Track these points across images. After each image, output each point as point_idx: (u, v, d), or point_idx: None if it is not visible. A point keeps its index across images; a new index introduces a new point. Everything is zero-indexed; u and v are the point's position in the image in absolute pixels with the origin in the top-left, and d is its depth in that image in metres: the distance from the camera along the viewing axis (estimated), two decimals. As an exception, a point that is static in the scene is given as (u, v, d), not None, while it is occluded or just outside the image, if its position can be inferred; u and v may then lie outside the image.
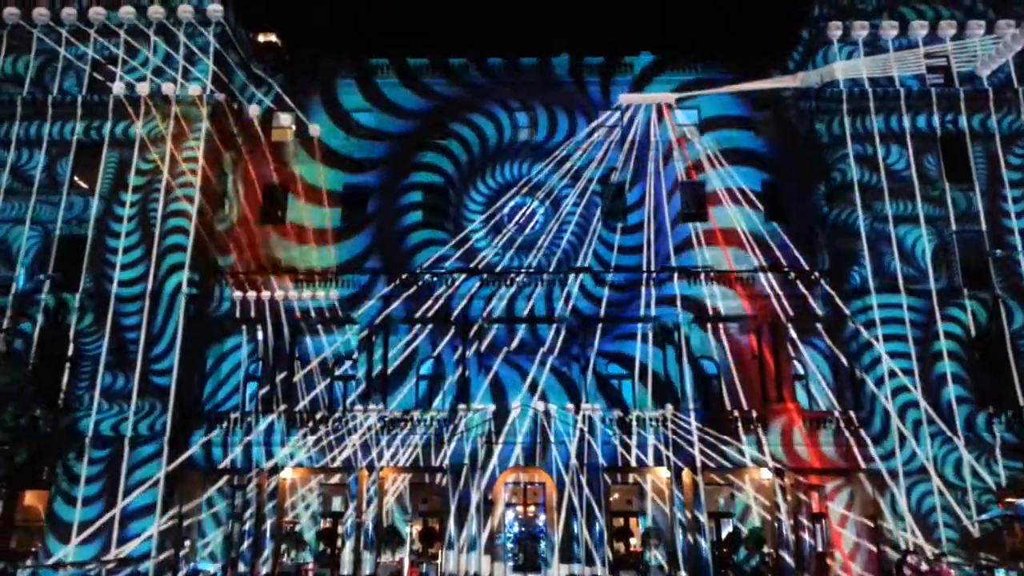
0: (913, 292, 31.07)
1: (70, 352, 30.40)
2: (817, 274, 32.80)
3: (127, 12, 33.65)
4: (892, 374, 29.96)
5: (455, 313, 32.64)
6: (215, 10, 33.95)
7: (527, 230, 35.82)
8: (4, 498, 28.58)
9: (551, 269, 34.39)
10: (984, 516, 26.86)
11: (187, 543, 30.02)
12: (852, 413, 30.51)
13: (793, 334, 32.72)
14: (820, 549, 30.17)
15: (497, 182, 36.95)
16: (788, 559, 28.63)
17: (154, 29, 34.11)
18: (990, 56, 33.31)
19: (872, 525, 29.17)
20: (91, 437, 29.31)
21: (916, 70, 33.93)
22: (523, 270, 34.27)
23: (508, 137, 37.74)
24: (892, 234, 31.81)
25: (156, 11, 33.78)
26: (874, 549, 29.10)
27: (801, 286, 32.45)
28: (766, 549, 29.05)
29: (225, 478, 30.98)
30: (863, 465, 29.63)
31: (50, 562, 27.40)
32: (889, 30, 34.17)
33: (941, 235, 31.96)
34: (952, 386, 29.79)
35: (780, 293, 32.34)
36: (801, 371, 33.00)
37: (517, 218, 36.09)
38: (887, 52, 34.17)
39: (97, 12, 33.66)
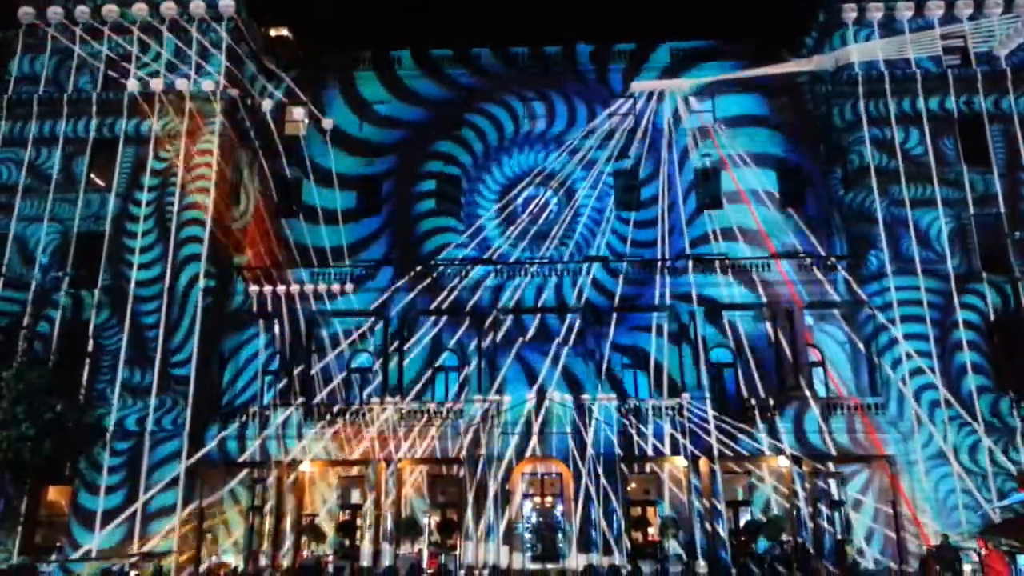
0: (931, 276, 30.77)
1: (90, 348, 30.71)
2: (834, 259, 32.54)
3: (140, 9, 33.81)
4: (910, 359, 29.69)
5: (469, 304, 32.66)
6: (227, 5, 34.04)
7: (540, 220, 35.89)
8: (27, 493, 28.98)
9: (565, 259, 34.45)
10: (1005, 502, 26.61)
11: (208, 536, 30.37)
12: (871, 398, 30.36)
13: (810, 320, 32.58)
14: (839, 536, 30.00)
15: (513, 171, 37.09)
16: (807, 546, 28.49)
17: (167, 26, 34.26)
18: (1008, 36, 32.85)
19: (891, 511, 29.09)
20: (112, 432, 29.63)
21: (932, 51, 33.53)
22: (537, 260, 34.29)
23: (520, 127, 37.84)
24: (909, 218, 31.48)
25: (169, 7, 33.91)
26: (893, 535, 29.02)
27: (818, 272, 32.21)
28: (784, 537, 28.94)
29: (245, 471, 31.31)
30: (881, 451, 29.46)
31: (75, 555, 27.78)
32: (904, 11, 33.75)
33: (959, 218, 31.59)
34: (971, 370, 29.50)
35: (797, 279, 32.11)
36: (818, 358, 32.85)
37: (530, 208, 36.17)
38: (903, 33, 33.74)
39: (110, 10, 33.82)
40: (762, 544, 29.09)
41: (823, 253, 33.41)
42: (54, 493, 30.34)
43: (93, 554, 27.77)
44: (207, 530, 30.45)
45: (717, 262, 32.81)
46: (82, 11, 33.94)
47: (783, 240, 34.47)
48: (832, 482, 30.75)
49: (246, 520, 31.21)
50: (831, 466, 30.39)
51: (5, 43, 35.01)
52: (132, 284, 31.44)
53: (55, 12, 33.95)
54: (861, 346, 31.77)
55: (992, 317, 30.32)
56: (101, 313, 31.22)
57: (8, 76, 34.57)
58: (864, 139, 32.63)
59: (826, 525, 29.09)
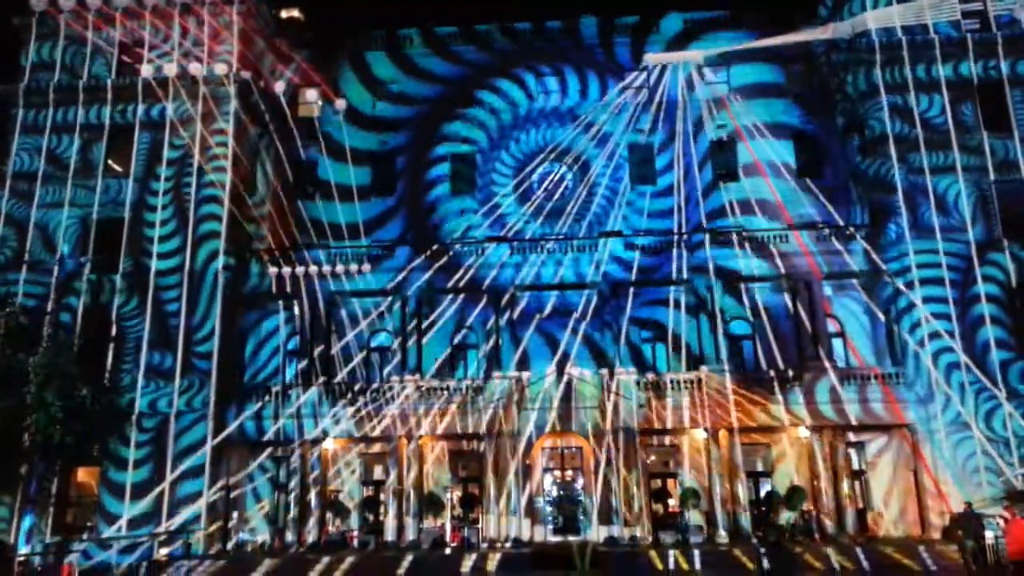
0: (951, 243, 30.49)
1: (113, 332, 31.11)
2: (852, 229, 32.31)
3: (151, -6, 33.81)
4: (928, 323, 29.51)
5: (486, 282, 32.75)
6: (237, -13, 33.98)
7: (556, 196, 35.91)
8: (58, 475, 29.55)
9: (581, 234, 34.44)
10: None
11: (235, 514, 30.88)
12: (891, 367, 30.26)
13: (829, 291, 32.42)
14: (860, 506, 30.06)
15: (530, 147, 37.05)
16: (827, 516, 28.58)
17: (178, 10, 34.26)
18: (1029, -3, 32.25)
19: (913, 479, 29.09)
20: (138, 414, 30.08)
21: (951, 16, 32.96)
22: (554, 236, 34.29)
23: (534, 103, 37.72)
24: (929, 185, 31.16)
25: (179, -9, 33.92)
26: (915, 503, 29.04)
27: (836, 242, 31.99)
28: (805, 507, 29.03)
29: (269, 450, 31.71)
30: (902, 420, 29.39)
31: (105, 535, 28.34)
32: (922, -25, 33.21)
33: (979, 185, 31.21)
34: (993, 338, 29.31)
35: (815, 250, 31.93)
36: (837, 328, 32.73)
37: (546, 184, 36.16)
38: (920, -2, 33.25)
39: (122, -5, 33.82)
40: (784, 517, 29.17)
41: (841, 223, 33.16)
42: (84, 474, 30.92)
43: (123, 531, 28.33)
44: (234, 507, 30.95)
45: (734, 234, 32.66)
46: (94, -3, 33.95)
47: (801, 211, 34.23)
48: (852, 451, 30.78)
49: (272, 497, 31.70)
50: (851, 435, 30.42)
51: (19, 31, 35.19)
52: (153, 268, 31.76)
53: (67, -1, 33.99)
54: (880, 316, 31.61)
55: (1013, 284, 30.06)
56: (123, 297, 31.59)
57: (24, 64, 34.78)
58: (882, 107, 32.26)
59: (847, 494, 29.11)
